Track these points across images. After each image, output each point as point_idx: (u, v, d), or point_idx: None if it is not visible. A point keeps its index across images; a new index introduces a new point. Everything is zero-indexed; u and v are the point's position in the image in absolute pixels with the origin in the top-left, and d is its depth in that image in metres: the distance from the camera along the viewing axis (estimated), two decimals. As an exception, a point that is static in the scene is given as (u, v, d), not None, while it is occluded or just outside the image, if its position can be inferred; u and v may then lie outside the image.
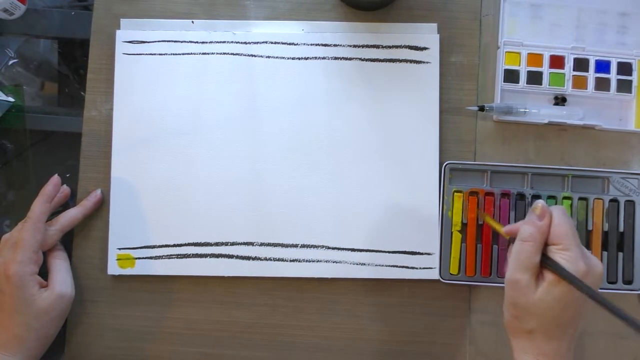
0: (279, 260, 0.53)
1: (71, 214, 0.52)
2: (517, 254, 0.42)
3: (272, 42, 0.55)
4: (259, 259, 0.53)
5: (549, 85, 0.54)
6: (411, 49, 0.55)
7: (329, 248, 0.53)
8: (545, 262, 0.41)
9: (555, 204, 0.53)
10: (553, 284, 0.40)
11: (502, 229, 0.46)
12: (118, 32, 0.55)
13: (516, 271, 0.42)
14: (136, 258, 0.53)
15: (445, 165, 0.53)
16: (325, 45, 0.55)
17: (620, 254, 0.53)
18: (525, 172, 0.53)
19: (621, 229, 0.53)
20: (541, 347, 0.42)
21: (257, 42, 0.55)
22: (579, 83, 0.54)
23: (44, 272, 0.50)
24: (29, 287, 0.47)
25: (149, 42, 0.55)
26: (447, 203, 0.53)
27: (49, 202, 0.50)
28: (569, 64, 0.54)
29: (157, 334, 0.54)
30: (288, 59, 0.55)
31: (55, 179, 0.51)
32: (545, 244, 0.42)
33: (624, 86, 0.54)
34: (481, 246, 0.53)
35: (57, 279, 0.50)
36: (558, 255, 0.41)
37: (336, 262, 0.53)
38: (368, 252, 0.53)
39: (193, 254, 0.53)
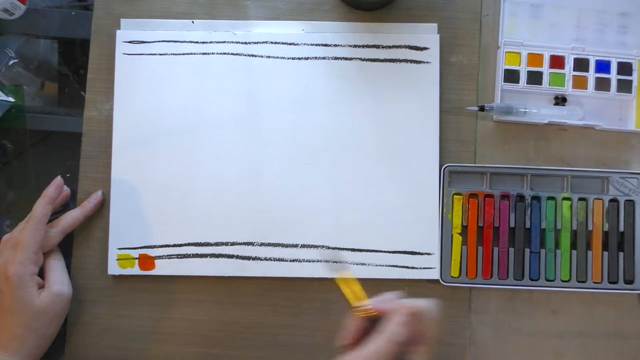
0: (279, 260, 0.53)
1: (72, 215, 0.52)
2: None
3: (272, 42, 0.55)
4: (259, 259, 0.53)
5: (549, 85, 0.54)
6: (411, 49, 0.55)
7: (329, 248, 0.53)
8: None
9: (555, 204, 0.53)
10: None
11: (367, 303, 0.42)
12: (118, 32, 0.55)
13: None
14: (136, 258, 0.53)
15: (444, 168, 0.53)
16: (326, 45, 0.55)
17: (621, 254, 0.53)
18: (524, 174, 0.53)
19: (621, 228, 0.53)
20: None
21: (257, 42, 0.55)
22: (579, 83, 0.54)
23: (40, 273, 0.50)
24: (29, 288, 0.47)
25: (149, 42, 0.55)
26: (447, 206, 0.53)
27: (51, 203, 0.50)
28: (569, 64, 0.54)
29: (157, 334, 0.54)
30: (288, 59, 0.55)
31: (58, 180, 0.51)
32: None
33: (624, 86, 0.54)
34: (482, 248, 0.53)
35: (53, 278, 0.50)
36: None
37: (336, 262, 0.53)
38: (368, 252, 0.53)
39: (193, 254, 0.53)
